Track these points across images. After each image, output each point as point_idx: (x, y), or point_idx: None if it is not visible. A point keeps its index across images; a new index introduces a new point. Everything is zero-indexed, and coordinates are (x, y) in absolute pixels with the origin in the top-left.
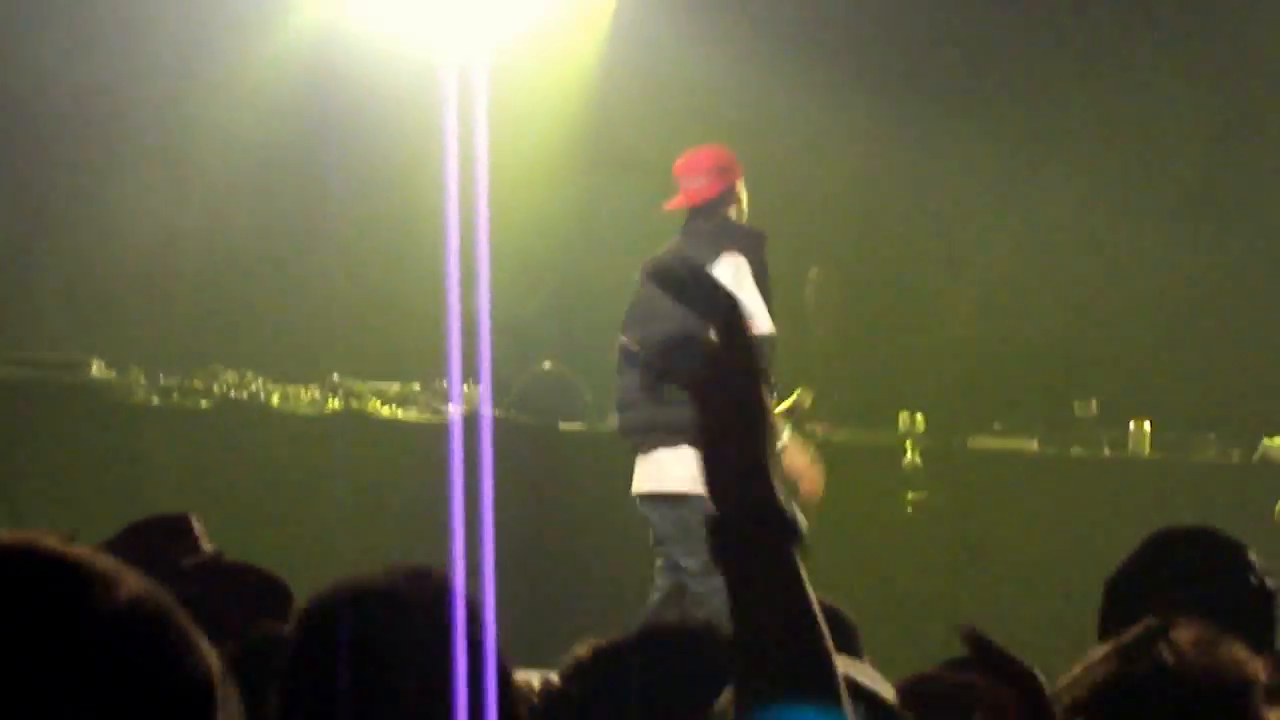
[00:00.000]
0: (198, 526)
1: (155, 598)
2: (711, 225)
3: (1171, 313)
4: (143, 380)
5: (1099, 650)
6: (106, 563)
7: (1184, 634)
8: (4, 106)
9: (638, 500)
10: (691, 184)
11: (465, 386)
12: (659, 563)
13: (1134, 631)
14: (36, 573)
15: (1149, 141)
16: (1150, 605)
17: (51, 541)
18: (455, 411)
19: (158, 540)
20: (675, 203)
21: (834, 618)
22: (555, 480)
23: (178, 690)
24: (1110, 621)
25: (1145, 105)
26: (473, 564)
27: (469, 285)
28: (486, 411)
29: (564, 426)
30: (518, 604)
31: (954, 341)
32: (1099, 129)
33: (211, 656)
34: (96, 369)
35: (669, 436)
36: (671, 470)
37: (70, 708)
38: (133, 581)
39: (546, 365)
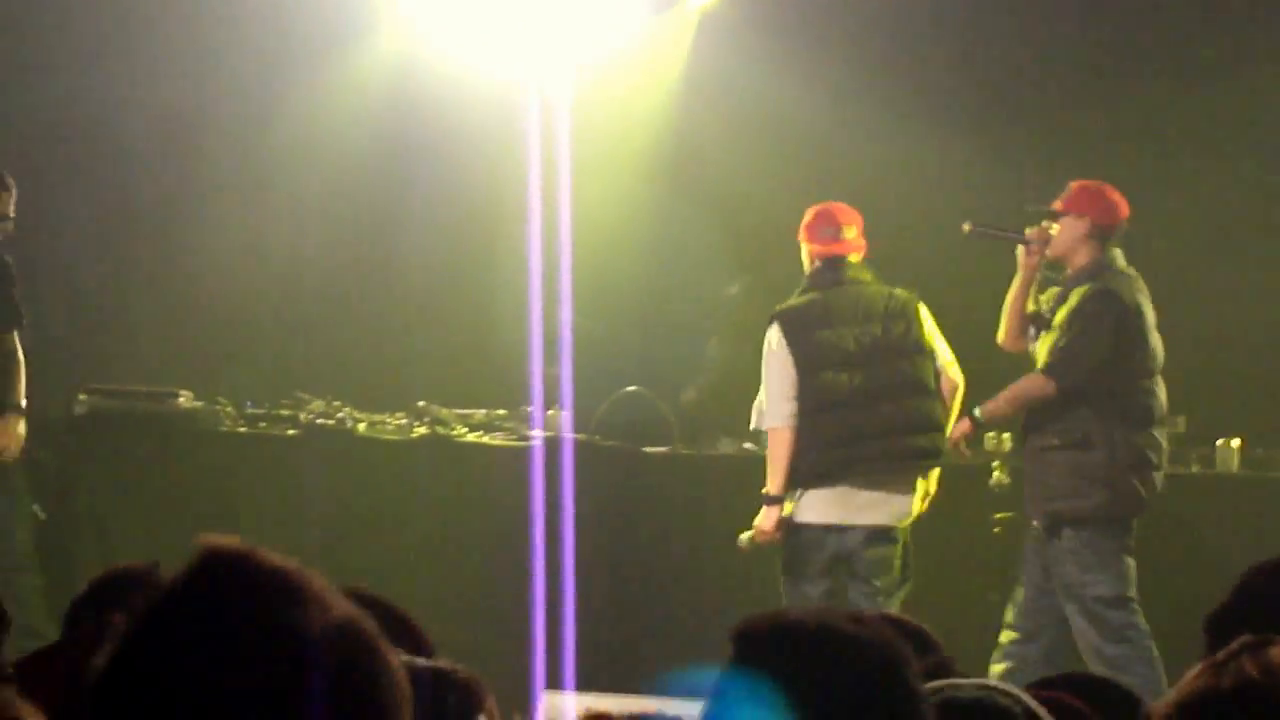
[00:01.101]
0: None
1: (362, 621)
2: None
3: (1261, 328)
4: (230, 409)
5: (1194, 669)
6: (321, 582)
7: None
8: (88, 135)
9: (870, 530)
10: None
11: (550, 411)
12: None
13: (1228, 649)
14: (261, 585)
15: (1244, 152)
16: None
17: (272, 555)
18: (538, 436)
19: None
20: (857, 249)
21: (917, 636)
22: (640, 503)
23: (372, 710)
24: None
25: (1234, 110)
26: (555, 583)
27: (552, 311)
28: (568, 436)
29: (648, 450)
30: (602, 627)
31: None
32: (1188, 142)
33: (404, 681)
34: (185, 400)
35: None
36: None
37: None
38: (342, 603)
39: (630, 389)
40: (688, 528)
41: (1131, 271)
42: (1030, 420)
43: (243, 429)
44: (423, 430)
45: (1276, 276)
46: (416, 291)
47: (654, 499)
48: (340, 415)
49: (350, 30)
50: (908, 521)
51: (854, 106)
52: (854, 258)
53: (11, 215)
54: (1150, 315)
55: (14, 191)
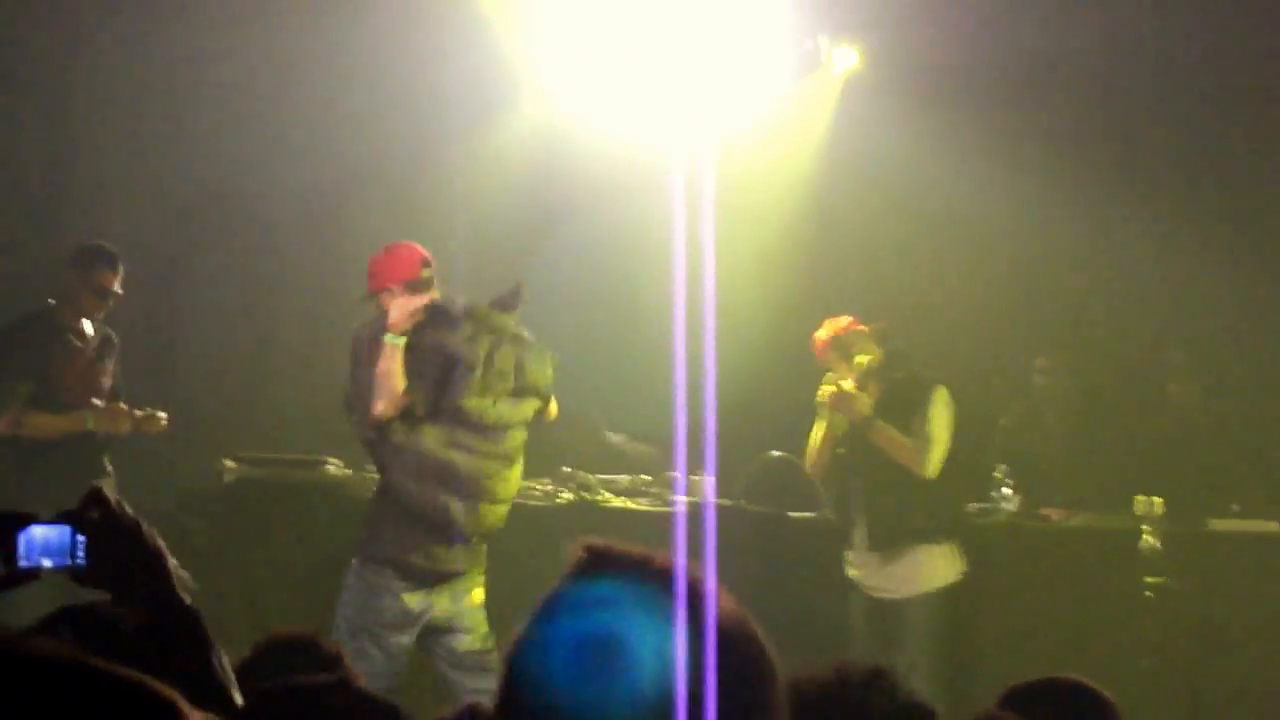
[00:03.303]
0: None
1: None
2: None
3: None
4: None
5: None
6: None
7: None
8: (236, 210)
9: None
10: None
11: (694, 477)
12: None
13: None
14: None
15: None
16: None
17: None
18: (682, 502)
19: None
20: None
21: (1094, 700)
22: (784, 569)
23: None
24: None
25: None
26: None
27: (696, 377)
28: (711, 500)
29: (793, 515)
30: None
31: (1190, 423)
32: None
33: None
34: (334, 467)
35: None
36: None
37: None
38: None
39: (775, 454)
40: (833, 591)
41: (458, 316)
42: None
43: None
44: (568, 496)
45: None
46: (562, 358)
47: (799, 563)
48: None
49: (495, 102)
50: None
51: (997, 170)
52: None
53: (118, 291)
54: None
55: (121, 272)
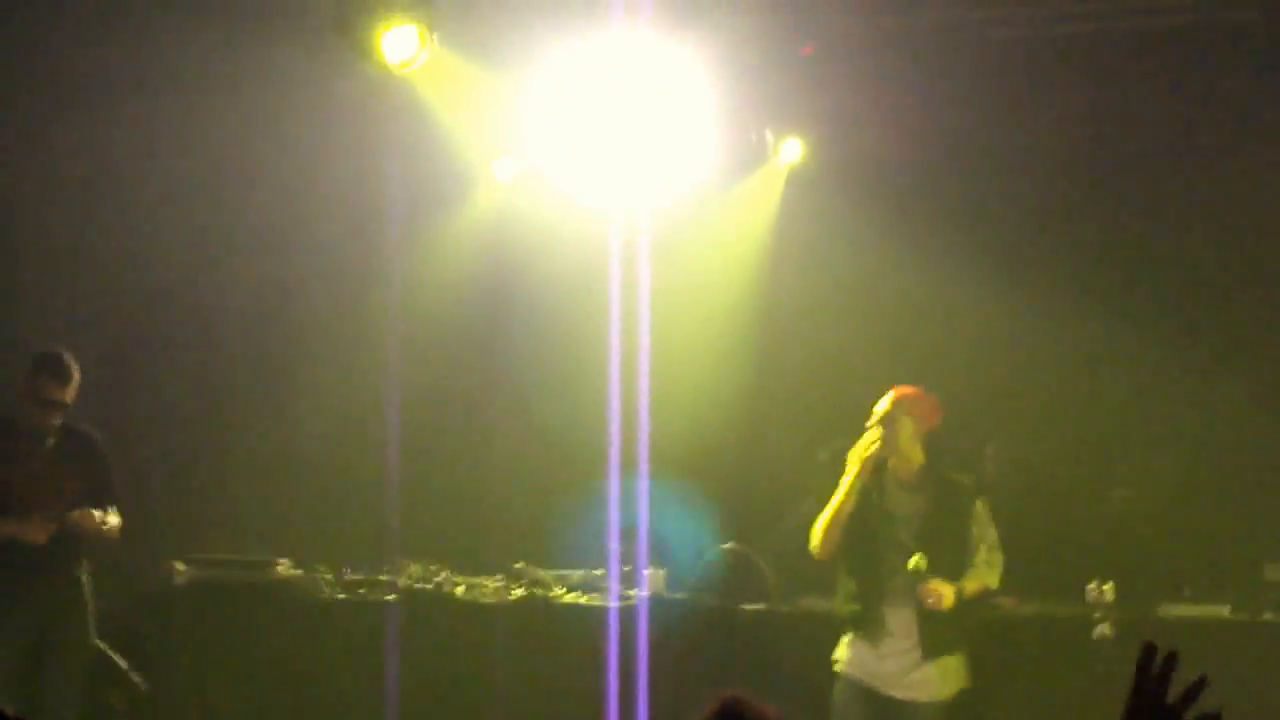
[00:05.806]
0: None
1: None
2: None
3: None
4: (329, 576)
5: None
6: None
7: None
8: (188, 306)
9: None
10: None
11: (648, 570)
12: None
13: None
14: None
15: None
16: None
17: None
18: (632, 595)
19: None
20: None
21: None
22: (739, 661)
23: None
24: None
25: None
26: None
27: (629, 468)
28: (644, 595)
29: (747, 607)
30: None
31: (1140, 510)
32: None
33: None
34: (283, 567)
35: None
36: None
37: None
38: None
39: (727, 546)
40: (789, 683)
41: None
42: None
43: (341, 596)
44: (520, 592)
45: None
46: (513, 454)
47: (753, 655)
48: (438, 579)
49: (445, 194)
50: None
51: (946, 265)
52: None
53: (61, 400)
54: None
55: (72, 379)
